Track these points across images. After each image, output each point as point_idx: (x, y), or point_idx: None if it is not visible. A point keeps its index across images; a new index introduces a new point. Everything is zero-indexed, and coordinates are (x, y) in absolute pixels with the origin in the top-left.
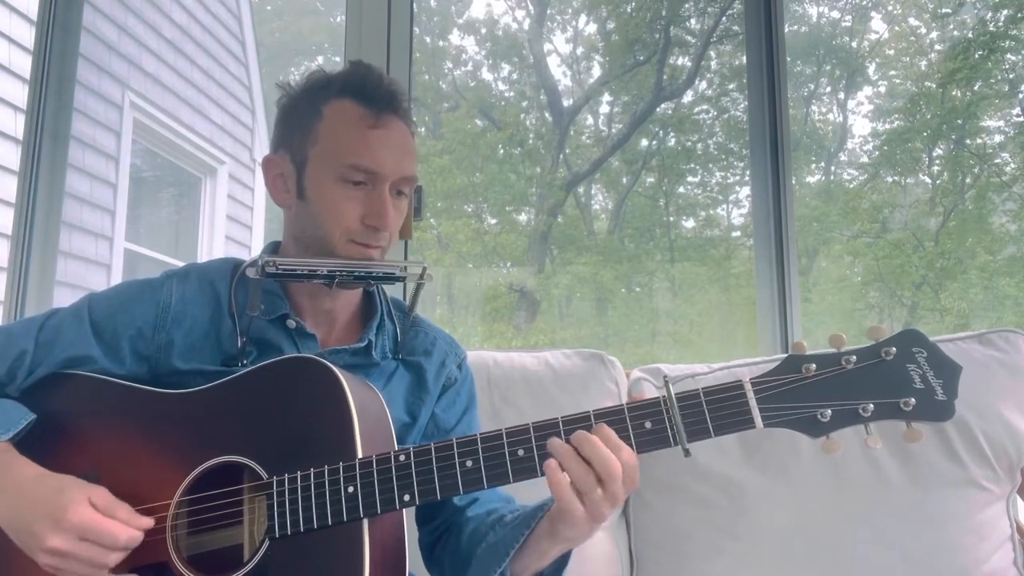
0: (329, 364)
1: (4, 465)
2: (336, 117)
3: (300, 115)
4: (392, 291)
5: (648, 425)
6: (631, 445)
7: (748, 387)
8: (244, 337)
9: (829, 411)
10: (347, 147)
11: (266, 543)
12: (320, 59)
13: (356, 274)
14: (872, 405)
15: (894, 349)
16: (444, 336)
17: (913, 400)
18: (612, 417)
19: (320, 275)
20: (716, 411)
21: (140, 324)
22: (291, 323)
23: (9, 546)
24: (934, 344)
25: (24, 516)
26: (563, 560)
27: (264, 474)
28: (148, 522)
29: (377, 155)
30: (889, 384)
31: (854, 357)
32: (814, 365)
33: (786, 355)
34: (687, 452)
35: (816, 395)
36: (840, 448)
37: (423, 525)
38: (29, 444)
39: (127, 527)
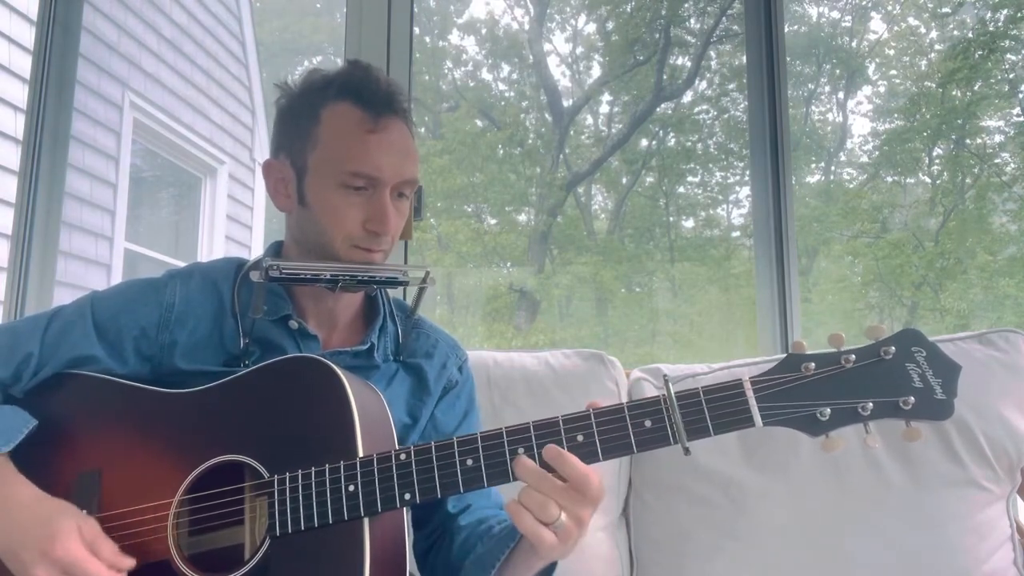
0: (331, 364)
1: (0, 482)
2: (334, 121)
3: (298, 118)
4: (394, 292)
5: (648, 424)
6: (631, 444)
7: (747, 386)
8: (247, 338)
9: (828, 410)
10: (346, 153)
11: (267, 542)
12: (320, 59)
13: (359, 278)
14: (871, 404)
15: (893, 348)
16: (446, 338)
17: (912, 399)
18: (612, 416)
19: (323, 279)
20: (716, 410)
21: (144, 324)
22: (293, 324)
23: None
24: (933, 344)
25: (13, 541)
26: (550, 569)
27: (265, 473)
28: (130, 563)
29: (377, 160)
30: (888, 383)
31: (853, 356)
32: (813, 364)
33: (785, 355)
34: (687, 450)
35: (815, 394)
36: (840, 447)
37: (418, 530)
38: (32, 444)
39: (108, 570)
